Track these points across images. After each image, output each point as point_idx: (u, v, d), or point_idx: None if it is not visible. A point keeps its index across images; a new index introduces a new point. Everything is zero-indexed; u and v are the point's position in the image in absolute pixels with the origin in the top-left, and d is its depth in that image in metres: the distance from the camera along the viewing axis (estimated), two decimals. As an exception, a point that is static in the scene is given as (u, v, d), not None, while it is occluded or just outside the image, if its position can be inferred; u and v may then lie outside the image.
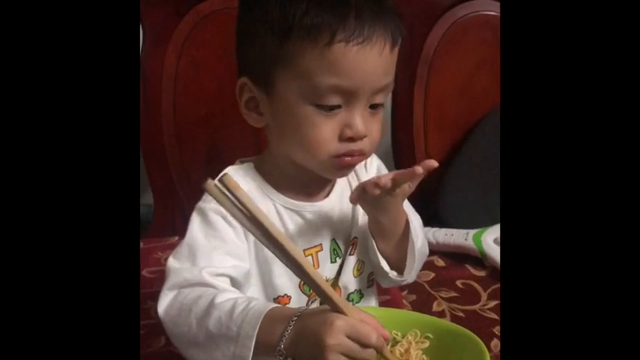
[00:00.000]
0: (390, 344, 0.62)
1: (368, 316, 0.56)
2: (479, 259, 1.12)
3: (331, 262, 0.73)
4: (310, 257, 0.72)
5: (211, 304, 0.59)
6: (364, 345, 0.54)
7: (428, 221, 1.17)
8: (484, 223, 1.15)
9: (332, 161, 0.67)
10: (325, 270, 0.73)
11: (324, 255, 0.73)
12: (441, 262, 1.13)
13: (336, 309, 0.55)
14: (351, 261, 0.75)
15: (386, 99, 0.69)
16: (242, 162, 0.74)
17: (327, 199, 0.73)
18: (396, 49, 0.67)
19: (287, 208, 0.71)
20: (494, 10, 1.24)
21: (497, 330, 0.94)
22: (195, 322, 0.60)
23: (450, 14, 1.24)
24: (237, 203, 0.53)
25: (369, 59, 0.63)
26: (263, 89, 0.67)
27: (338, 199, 0.74)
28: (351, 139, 0.66)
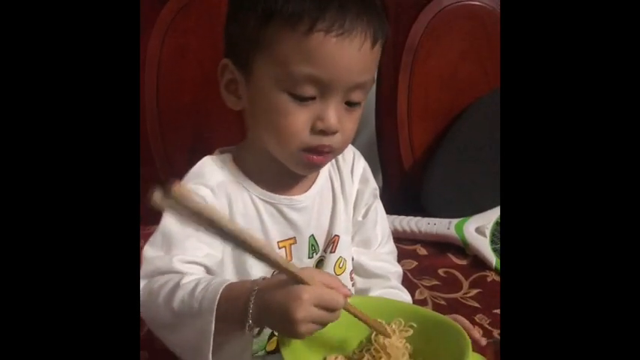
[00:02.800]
0: (374, 333, 0.63)
1: (329, 278, 0.57)
2: (461, 248, 1.13)
3: (309, 257, 0.74)
4: (283, 249, 0.72)
5: (176, 286, 0.61)
6: (332, 310, 0.55)
7: (411, 210, 1.18)
8: (466, 213, 1.16)
9: (300, 155, 0.66)
10: (303, 265, 0.72)
11: (300, 249, 0.73)
12: (423, 251, 1.14)
13: (299, 281, 0.55)
14: (332, 259, 0.75)
15: (365, 98, 0.68)
16: (222, 152, 0.73)
17: (305, 194, 0.73)
18: (378, 47, 0.66)
19: (263, 200, 0.71)
20: (478, 0, 1.24)
21: (478, 318, 0.95)
22: (162, 304, 0.61)
23: (435, 3, 1.23)
24: (189, 210, 0.52)
25: (347, 52, 0.63)
26: (242, 72, 0.67)
27: (318, 195, 0.74)
28: (323, 132, 0.65)
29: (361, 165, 0.80)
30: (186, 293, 0.60)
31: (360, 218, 0.80)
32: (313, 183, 0.74)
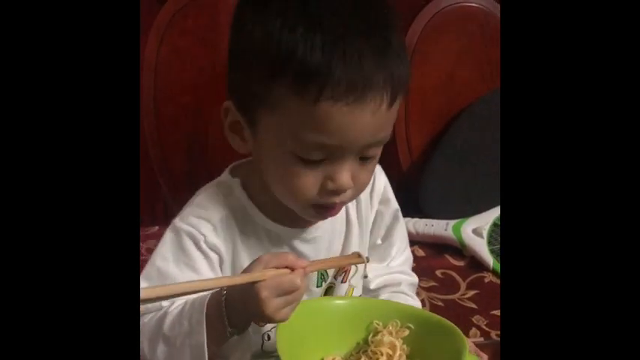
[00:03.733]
0: (371, 334, 0.63)
1: (279, 260, 0.56)
2: (458, 249, 1.13)
3: (317, 285, 0.71)
4: None
5: (164, 314, 0.61)
6: (295, 290, 0.56)
7: (408, 212, 1.18)
8: (464, 214, 1.16)
9: (309, 209, 0.63)
10: (311, 294, 0.70)
11: (308, 278, 0.67)
12: (421, 252, 1.14)
13: (253, 282, 0.55)
14: (342, 288, 0.72)
15: (380, 149, 0.63)
16: (232, 171, 0.69)
17: (316, 225, 0.69)
18: (396, 104, 0.60)
19: (271, 232, 0.67)
20: (476, 2, 1.25)
21: (475, 319, 0.95)
22: (153, 335, 0.61)
23: (432, 5, 1.24)
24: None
25: (360, 120, 0.57)
26: (247, 120, 0.62)
27: (330, 223, 0.70)
28: (334, 192, 0.61)
29: (382, 183, 0.75)
30: (175, 316, 0.60)
31: (378, 242, 0.77)
32: None
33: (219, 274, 0.66)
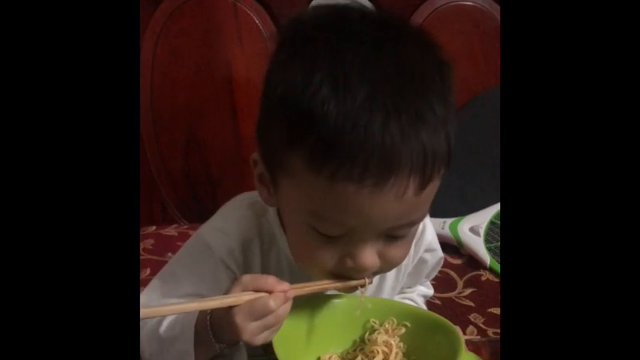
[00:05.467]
0: (367, 332, 0.63)
1: (259, 283, 0.54)
2: (455, 247, 1.13)
3: None
4: None
5: (162, 317, 0.60)
6: (269, 313, 0.53)
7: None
8: (460, 212, 1.16)
9: (330, 276, 0.57)
10: None
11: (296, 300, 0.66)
12: (418, 251, 1.15)
13: (229, 306, 0.54)
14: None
15: (417, 228, 0.56)
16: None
17: None
18: (429, 188, 0.52)
19: (293, 265, 0.63)
20: (471, 1, 1.25)
21: (472, 317, 0.95)
22: (150, 334, 0.60)
23: (428, 4, 1.24)
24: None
25: (380, 202, 0.50)
26: (270, 177, 0.57)
27: None
28: (354, 270, 0.55)
29: (429, 235, 0.69)
30: (171, 319, 0.60)
31: (415, 285, 0.74)
32: None
33: None
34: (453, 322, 0.62)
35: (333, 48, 0.50)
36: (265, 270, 0.65)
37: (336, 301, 0.64)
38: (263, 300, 0.53)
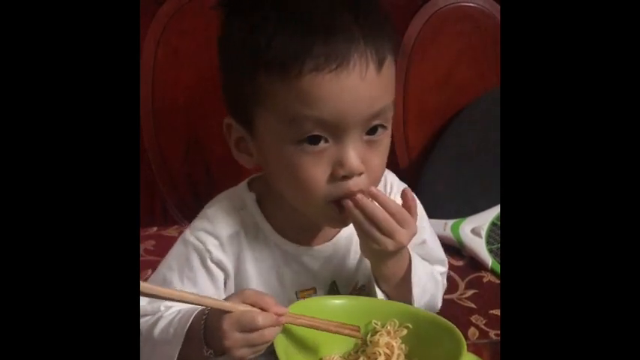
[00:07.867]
0: (369, 334, 0.63)
1: (257, 298, 0.56)
2: (456, 248, 1.13)
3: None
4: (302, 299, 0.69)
5: (159, 317, 0.62)
6: (254, 330, 0.54)
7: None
8: (462, 214, 1.16)
9: (330, 207, 0.61)
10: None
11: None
12: (419, 252, 1.14)
13: (223, 310, 0.55)
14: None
15: (389, 123, 0.61)
16: (250, 184, 0.69)
17: (330, 242, 0.68)
18: (388, 66, 0.59)
19: (283, 250, 0.67)
20: (473, 2, 1.25)
21: (474, 319, 0.95)
22: (144, 335, 0.61)
23: (430, 6, 1.24)
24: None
25: (348, 86, 0.56)
26: (246, 128, 0.62)
27: (344, 242, 0.69)
28: (346, 178, 0.59)
29: (393, 178, 0.73)
30: (167, 322, 0.61)
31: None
32: (339, 230, 0.68)
33: (222, 292, 0.67)
34: (454, 324, 0.62)
35: None
36: (256, 260, 0.67)
37: (338, 302, 0.64)
38: (252, 314, 0.55)
